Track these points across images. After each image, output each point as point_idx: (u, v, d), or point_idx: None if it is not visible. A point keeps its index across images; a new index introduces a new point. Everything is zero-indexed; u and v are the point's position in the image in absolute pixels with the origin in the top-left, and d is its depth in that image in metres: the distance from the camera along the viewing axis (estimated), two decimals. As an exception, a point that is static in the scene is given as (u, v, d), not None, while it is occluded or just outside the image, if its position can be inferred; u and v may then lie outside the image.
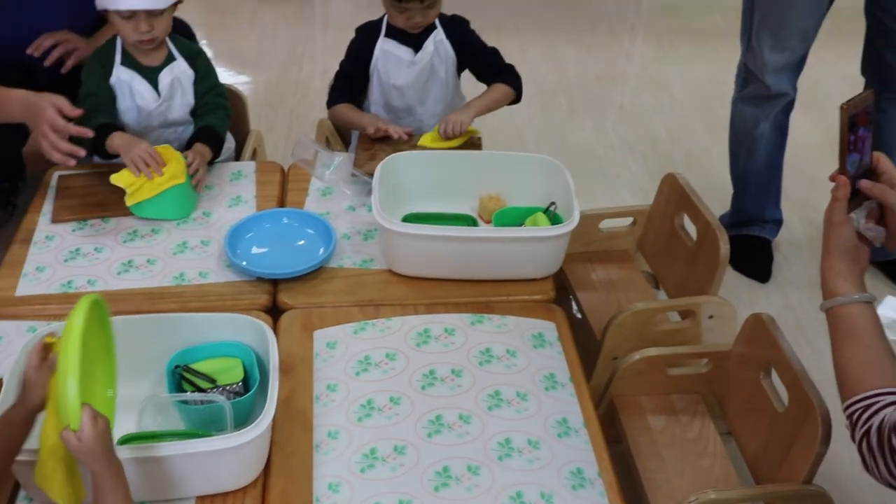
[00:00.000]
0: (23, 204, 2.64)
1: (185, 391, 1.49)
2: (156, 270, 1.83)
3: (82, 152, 1.88)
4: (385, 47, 2.25)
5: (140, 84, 2.07)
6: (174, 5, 2.02)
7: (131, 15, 1.96)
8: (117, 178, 1.92)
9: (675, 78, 3.83)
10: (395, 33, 2.24)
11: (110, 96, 2.07)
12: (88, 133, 1.86)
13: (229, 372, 1.53)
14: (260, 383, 1.48)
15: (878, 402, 1.20)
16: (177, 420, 1.47)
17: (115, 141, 1.95)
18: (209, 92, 2.14)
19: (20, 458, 1.24)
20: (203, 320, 1.57)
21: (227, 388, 1.50)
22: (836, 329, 1.29)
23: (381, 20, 2.28)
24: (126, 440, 1.36)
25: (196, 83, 2.13)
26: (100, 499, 1.15)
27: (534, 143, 3.24)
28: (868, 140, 1.27)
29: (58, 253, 1.87)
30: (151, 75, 2.08)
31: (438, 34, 2.25)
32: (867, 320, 1.27)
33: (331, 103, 2.32)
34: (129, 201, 1.92)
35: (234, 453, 1.32)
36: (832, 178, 1.28)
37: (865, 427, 1.19)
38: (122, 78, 2.06)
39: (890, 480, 1.17)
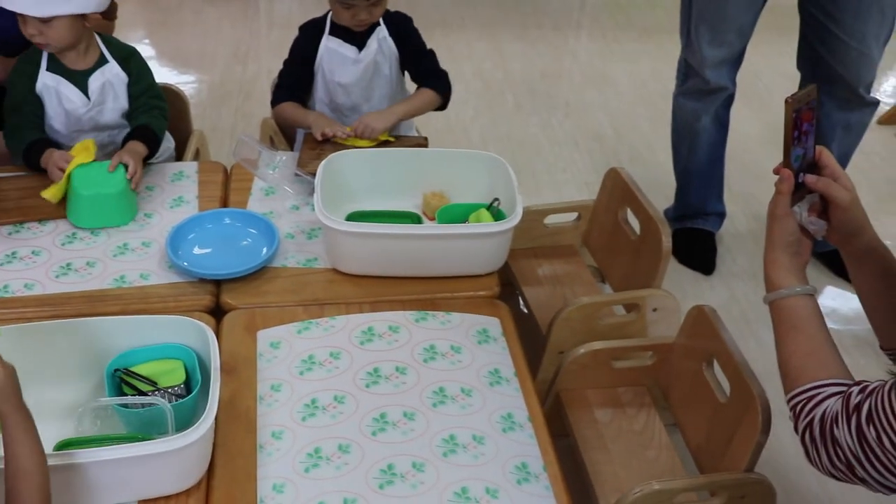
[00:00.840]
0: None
1: (126, 395, 1.47)
2: (95, 273, 1.80)
3: None
4: (329, 45, 2.24)
5: (67, 89, 2.02)
6: (79, 17, 1.95)
7: (22, 16, 1.90)
8: (47, 194, 1.91)
9: (621, 74, 3.87)
10: (339, 31, 2.23)
11: (37, 105, 2.03)
12: None
13: (170, 374, 1.51)
14: (202, 385, 1.46)
15: (820, 393, 1.21)
16: (117, 425, 1.45)
17: (44, 160, 1.94)
18: (144, 94, 2.10)
19: None
20: (143, 323, 1.55)
21: (169, 390, 1.48)
22: (779, 321, 1.31)
23: (324, 18, 2.26)
24: (64, 445, 1.33)
25: (130, 85, 2.09)
26: (12, 443, 1.13)
27: (480, 140, 3.25)
28: (811, 134, 1.29)
29: (-7, 257, 1.83)
30: (80, 79, 2.04)
31: (382, 31, 2.24)
32: (809, 312, 1.28)
33: (275, 102, 2.31)
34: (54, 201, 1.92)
35: (176, 456, 1.30)
36: (776, 171, 1.29)
37: (808, 418, 1.21)
38: (48, 83, 2.02)
39: (832, 471, 1.19)
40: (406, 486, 1.37)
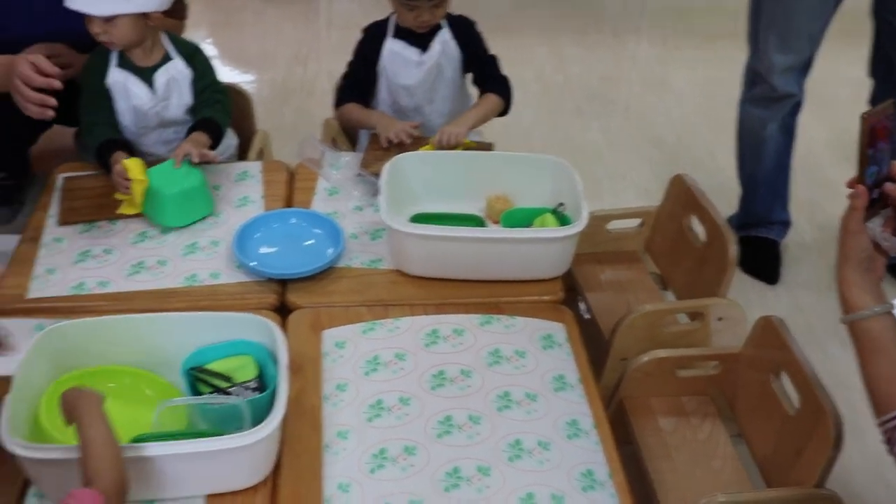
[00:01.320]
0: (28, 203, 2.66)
1: (201, 392, 1.49)
2: (167, 271, 1.82)
3: (52, 101, 1.85)
4: (392, 48, 2.25)
5: (135, 85, 2.06)
6: (142, 16, 1.98)
7: (88, 15, 1.94)
8: (125, 210, 1.96)
9: (681, 79, 3.83)
10: (403, 33, 2.24)
11: (109, 101, 2.06)
12: (55, 84, 1.84)
13: (243, 369, 1.52)
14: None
15: None
16: (196, 423, 1.46)
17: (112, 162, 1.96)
18: (207, 88, 2.13)
19: (29, 454, 1.25)
20: (212, 319, 1.56)
21: (244, 385, 1.50)
22: (860, 344, 1.28)
23: (387, 20, 2.27)
24: (139, 439, 1.35)
25: (194, 81, 2.12)
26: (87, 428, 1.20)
27: (540, 144, 3.24)
28: (886, 151, 1.26)
29: (67, 255, 1.86)
30: (147, 75, 2.07)
31: (445, 34, 2.24)
32: (891, 333, 1.26)
33: (338, 103, 2.32)
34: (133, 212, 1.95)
35: (245, 452, 1.31)
36: (850, 186, 1.26)
37: None
38: (118, 79, 2.05)
39: None
40: (472, 489, 1.36)
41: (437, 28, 2.24)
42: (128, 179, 1.89)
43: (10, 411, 1.30)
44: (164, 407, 1.42)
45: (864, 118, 1.21)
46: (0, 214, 2.65)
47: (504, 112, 2.29)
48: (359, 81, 2.31)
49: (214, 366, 1.52)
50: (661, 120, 3.51)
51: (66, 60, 2.15)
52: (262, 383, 1.50)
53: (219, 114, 2.12)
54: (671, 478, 1.72)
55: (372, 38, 2.28)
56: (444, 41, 2.25)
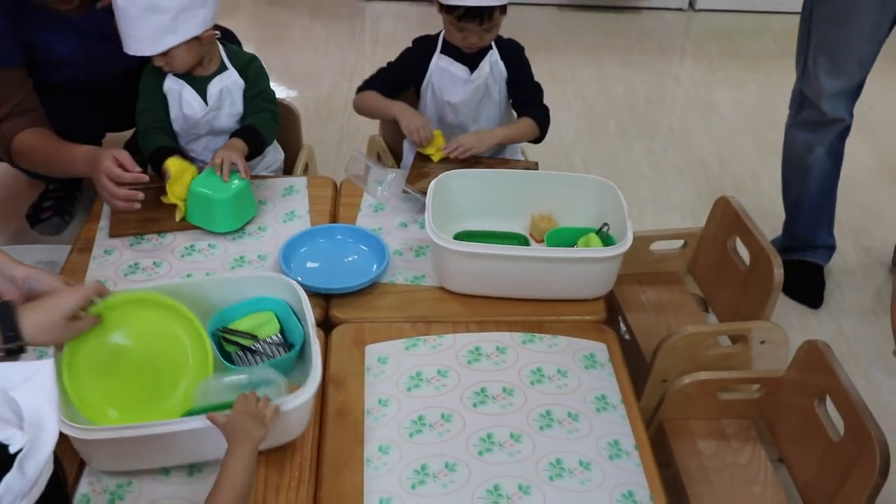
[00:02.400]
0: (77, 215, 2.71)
1: (229, 352, 1.57)
2: (215, 284, 1.85)
3: (141, 195, 1.94)
4: (440, 63, 2.27)
5: (189, 93, 2.10)
6: (194, 40, 2.02)
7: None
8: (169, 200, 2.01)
9: (726, 101, 3.81)
10: (451, 51, 2.26)
11: (165, 107, 2.12)
12: (144, 178, 1.94)
13: (266, 325, 1.59)
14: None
15: None
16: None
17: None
18: (257, 96, 2.16)
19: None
20: (234, 282, 1.67)
21: (268, 341, 1.56)
22: None
23: (437, 36, 2.29)
24: (189, 412, 1.39)
25: (246, 91, 2.16)
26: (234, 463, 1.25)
27: (582, 165, 3.24)
28: None
29: (117, 267, 1.90)
30: (201, 84, 2.11)
31: (494, 55, 2.26)
32: None
33: (361, 89, 2.32)
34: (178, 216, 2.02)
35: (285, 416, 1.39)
36: None
37: None
38: (173, 87, 2.11)
39: None
40: (512, 507, 1.37)
41: (486, 48, 2.25)
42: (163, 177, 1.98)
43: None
44: (204, 387, 1.47)
45: None
46: (51, 225, 2.71)
47: (537, 140, 2.30)
48: (389, 78, 2.32)
49: (238, 324, 1.58)
50: (706, 141, 3.49)
51: None
52: (285, 338, 1.58)
53: (264, 122, 2.15)
54: (711, 502, 1.71)
55: (421, 51, 2.30)
56: (493, 62, 2.26)
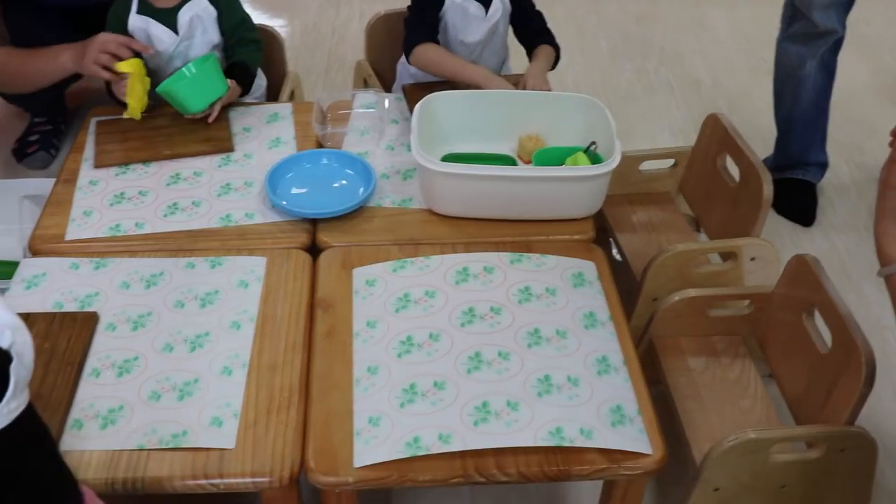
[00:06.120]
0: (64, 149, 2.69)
1: None
2: (201, 212, 1.84)
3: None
4: (456, 0, 2.15)
5: (157, 28, 2.06)
6: None
7: None
8: (129, 113, 2.04)
9: (719, 19, 3.75)
10: None
11: None
12: (148, 49, 2.00)
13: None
14: None
15: None
16: None
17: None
18: (239, 26, 2.13)
19: None
20: None
21: None
22: None
23: None
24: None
25: (220, 20, 2.11)
26: None
27: (573, 86, 3.20)
28: None
29: (103, 197, 1.88)
30: (169, 17, 2.07)
31: None
32: None
33: (414, 42, 2.12)
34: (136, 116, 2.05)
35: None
36: (892, 135, 1.23)
37: None
38: (139, 25, 2.06)
39: None
40: (500, 423, 1.38)
41: None
42: (123, 78, 1.98)
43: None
44: None
45: None
46: (37, 159, 2.69)
47: (551, 68, 2.23)
48: (429, 20, 2.14)
49: None
50: (698, 61, 3.45)
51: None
52: None
53: (251, 54, 2.14)
54: (700, 416, 1.73)
55: None
56: None
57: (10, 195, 2.23)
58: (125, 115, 2.03)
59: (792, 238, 2.55)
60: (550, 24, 2.26)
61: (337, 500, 1.42)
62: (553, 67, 2.22)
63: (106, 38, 1.98)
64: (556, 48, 2.22)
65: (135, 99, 2.00)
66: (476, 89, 2.03)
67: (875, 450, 1.54)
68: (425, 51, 2.12)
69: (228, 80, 2.05)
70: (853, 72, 3.12)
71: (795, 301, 1.70)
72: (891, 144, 1.23)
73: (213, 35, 2.12)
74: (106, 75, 1.99)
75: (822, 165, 2.69)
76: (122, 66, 1.99)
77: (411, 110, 1.91)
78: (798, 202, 2.64)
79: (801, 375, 1.67)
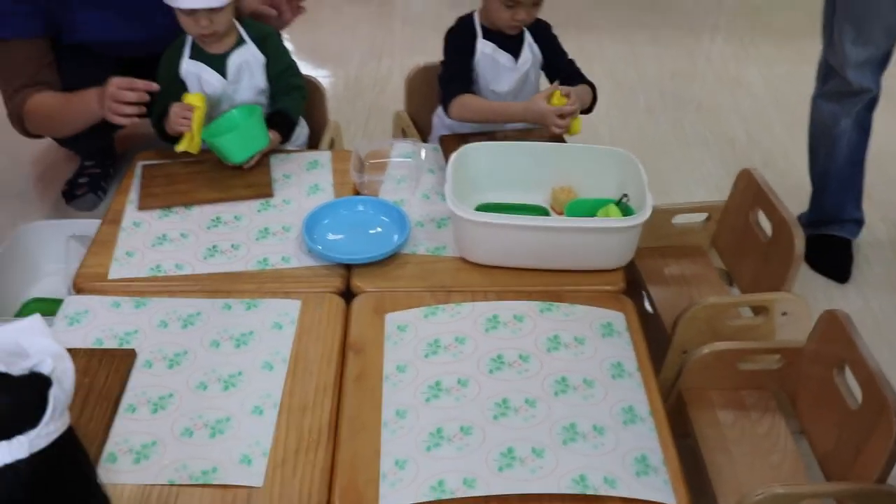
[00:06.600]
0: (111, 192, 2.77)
1: None
2: (240, 255, 1.88)
3: (141, 109, 2.04)
4: (485, 50, 2.20)
5: (208, 73, 2.14)
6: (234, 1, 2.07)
7: (192, 11, 2.02)
8: (182, 147, 2.08)
9: (756, 77, 3.78)
10: (492, 36, 2.20)
11: (181, 89, 2.14)
12: (153, 86, 2.02)
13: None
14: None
15: None
16: None
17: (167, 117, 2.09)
18: (284, 72, 2.20)
19: None
20: None
21: None
22: None
23: (471, 18, 2.23)
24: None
25: (268, 66, 2.18)
26: None
27: (609, 140, 3.23)
28: None
29: (145, 238, 1.94)
30: (219, 62, 2.14)
31: (528, 37, 2.23)
32: None
33: (453, 93, 2.17)
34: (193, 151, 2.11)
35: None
36: None
37: None
38: (190, 70, 2.14)
39: None
40: (525, 470, 1.39)
41: (521, 32, 2.21)
42: (189, 110, 2.04)
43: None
44: None
45: None
46: (86, 201, 2.77)
47: (590, 108, 2.27)
48: (464, 73, 2.19)
49: None
50: (734, 118, 3.47)
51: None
52: None
53: (294, 102, 2.21)
54: (728, 470, 1.72)
55: (464, 34, 2.21)
56: (530, 44, 2.23)
57: (58, 235, 2.32)
58: (179, 149, 2.08)
59: (826, 294, 2.54)
60: (589, 78, 2.30)
61: (362, 541, 1.44)
62: (590, 108, 2.26)
63: (113, 81, 2.04)
64: (593, 88, 2.25)
65: (195, 132, 2.06)
66: (518, 131, 2.12)
67: (905, 508, 1.52)
68: (464, 101, 2.18)
69: (269, 131, 2.11)
70: (889, 129, 3.12)
71: (826, 356, 1.70)
72: None
73: (260, 80, 2.19)
74: (120, 121, 2.05)
75: (858, 222, 2.69)
76: (190, 99, 2.07)
77: (447, 160, 1.95)
78: (833, 258, 2.63)
79: (830, 431, 1.66)
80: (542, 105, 2.08)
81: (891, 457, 1.48)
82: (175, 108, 2.06)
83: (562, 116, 2.07)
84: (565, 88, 2.09)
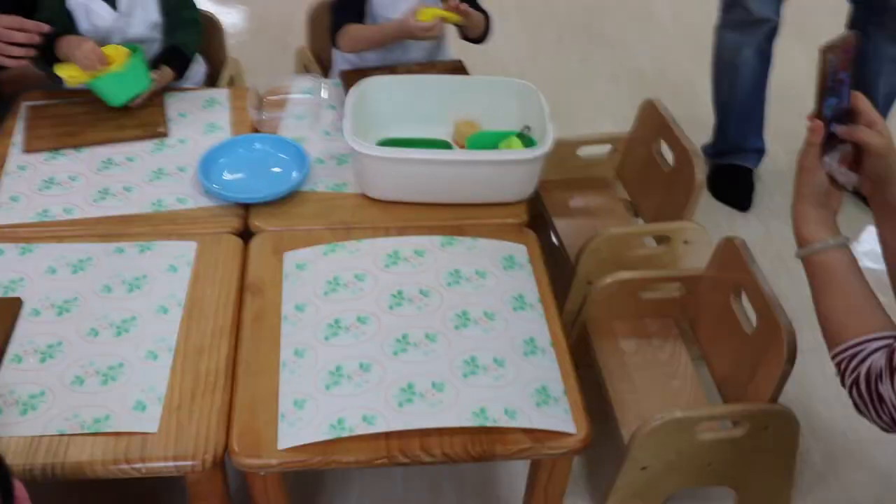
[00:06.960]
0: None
1: None
2: (133, 197, 1.82)
3: (31, 52, 1.89)
4: None
5: (96, 4, 2.03)
6: None
7: None
8: (61, 69, 1.96)
9: (665, 9, 3.78)
10: None
11: (68, 21, 2.03)
12: (44, 27, 1.88)
13: None
14: None
15: (862, 349, 1.17)
16: None
17: (62, 44, 1.96)
18: (179, 6, 2.10)
19: None
20: None
21: None
22: (814, 277, 1.26)
23: None
24: None
25: None
26: None
27: (518, 74, 3.19)
28: (847, 83, 1.24)
29: (31, 182, 1.85)
30: None
31: None
32: (844, 265, 1.23)
33: (339, 24, 2.16)
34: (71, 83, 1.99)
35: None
36: (808, 120, 1.25)
37: (853, 375, 1.16)
38: (79, 1, 2.02)
39: (881, 424, 1.16)
40: (425, 404, 1.38)
41: None
42: (102, 62, 1.95)
43: None
44: None
45: (823, 50, 1.20)
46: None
47: (480, 38, 2.23)
48: (352, 2, 2.17)
49: None
50: (644, 50, 3.47)
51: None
52: None
53: (189, 38, 2.12)
54: (631, 397, 1.75)
55: None
56: None
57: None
58: (61, 73, 1.97)
59: (728, 223, 2.59)
60: (498, 13, 2.25)
61: (262, 483, 1.42)
62: (480, 40, 2.22)
63: (1, 20, 1.88)
64: (487, 17, 2.20)
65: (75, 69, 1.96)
66: (421, 65, 2.08)
67: (797, 427, 1.57)
68: (349, 31, 2.15)
69: (162, 66, 2.03)
70: (793, 60, 3.16)
71: (723, 283, 1.73)
72: (807, 129, 1.24)
73: (154, 14, 2.09)
74: (9, 63, 1.91)
75: (760, 152, 2.73)
76: (110, 51, 1.97)
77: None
78: (735, 187, 2.68)
79: (728, 356, 1.70)
80: (411, 22, 2.06)
81: (782, 377, 1.53)
82: (89, 49, 1.94)
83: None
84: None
